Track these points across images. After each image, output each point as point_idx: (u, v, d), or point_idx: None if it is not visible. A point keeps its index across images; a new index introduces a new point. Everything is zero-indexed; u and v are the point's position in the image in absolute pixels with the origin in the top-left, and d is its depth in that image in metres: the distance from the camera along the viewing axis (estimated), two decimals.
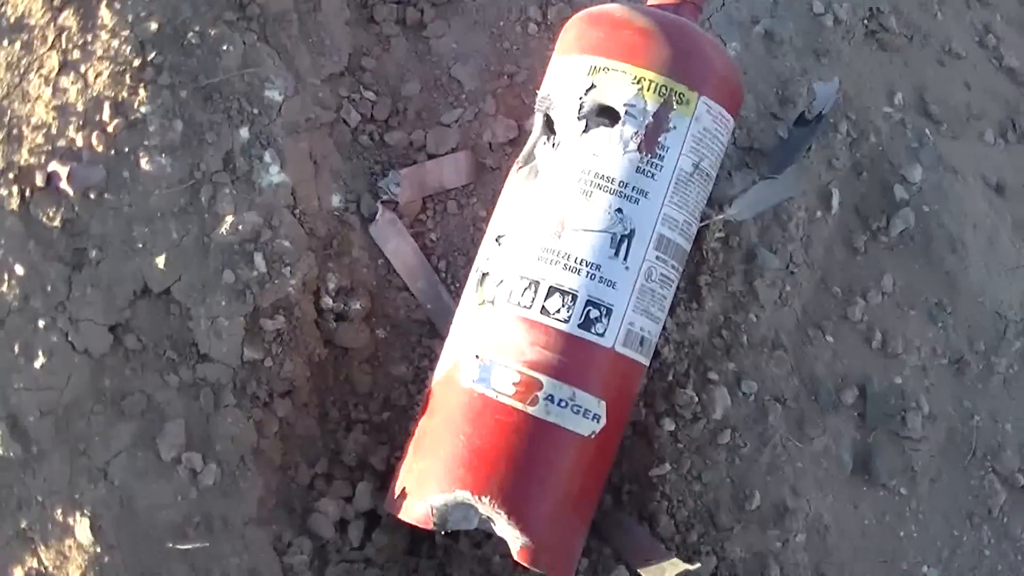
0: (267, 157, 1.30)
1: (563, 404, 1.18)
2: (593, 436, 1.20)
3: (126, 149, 1.25)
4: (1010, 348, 1.46)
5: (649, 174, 1.20)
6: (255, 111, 1.31)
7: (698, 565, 1.22)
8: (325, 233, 1.34)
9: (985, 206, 1.50)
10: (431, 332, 1.38)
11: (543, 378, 1.17)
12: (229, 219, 1.25)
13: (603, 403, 1.20)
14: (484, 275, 1.24)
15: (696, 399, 1.34)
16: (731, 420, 1.35)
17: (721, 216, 1.35)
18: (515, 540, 1.18)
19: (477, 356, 1.19)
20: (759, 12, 1.52)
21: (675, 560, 1.25)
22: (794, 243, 1.41)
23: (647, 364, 1.26)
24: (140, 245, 1.24)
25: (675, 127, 1.21)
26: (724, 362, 1.37)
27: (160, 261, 1.23)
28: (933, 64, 1.58)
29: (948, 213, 1.47)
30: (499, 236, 1.25)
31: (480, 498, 1.17)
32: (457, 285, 1.38)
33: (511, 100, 1.44)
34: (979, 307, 1.46)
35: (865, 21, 1.54)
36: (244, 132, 1.30)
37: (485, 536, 1.31)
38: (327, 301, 1.33)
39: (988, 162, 1.55)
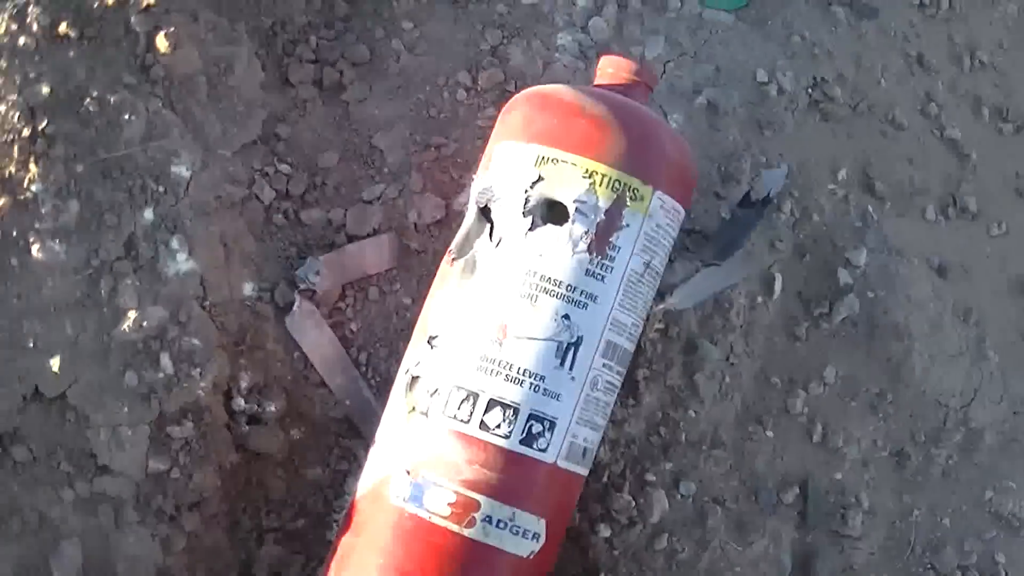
0: (174, 242, 1.21)
1: (502, 525, 1.12)
2: (532, 556, 1.14)
3: (14, 233, 1.15)
4: (950, 439, 1.44)
5: (599, 276, 1.14)
6: (160, 189, 1.22)
7: None
8: (237, 327, 1.26)
9: (929, 290, 1.47)
10: (350, 431, 1.31)
11: (481, 498, 1.11)
12: (132, 314, 1.17)
13: (543, 521, 1.14)
14: (415, 379, 1.16)
15: (633, 503, 1.29)
16: (669, 524, 1.31)
17: (662, 307, 1.31)
18: None
19: (408, 472, 1.12)
20: (701, 81, 1.47)
21: None
22: (735, 332, 1.36)
23: (587, 474, 1.21)
24: (31, 343, 1.15)
25: (628, 225, 1.15)
26: (662, 462, 1.32)
27: (54, 362, 1.14)
28: (876, 136, 1.54)
29: (893, 299, 1.44)
30: (432, 337, 1.17)
31: None
32: (378, 379, 1.32)
33: (439, 175, 1.36)
34: (920, 397, 1.44)
35: (809, 90, 1.49)
36: (148, 214, 1.21)
37: None
38: (239, 403, 1.25)
39: (930, 241, 1.53)
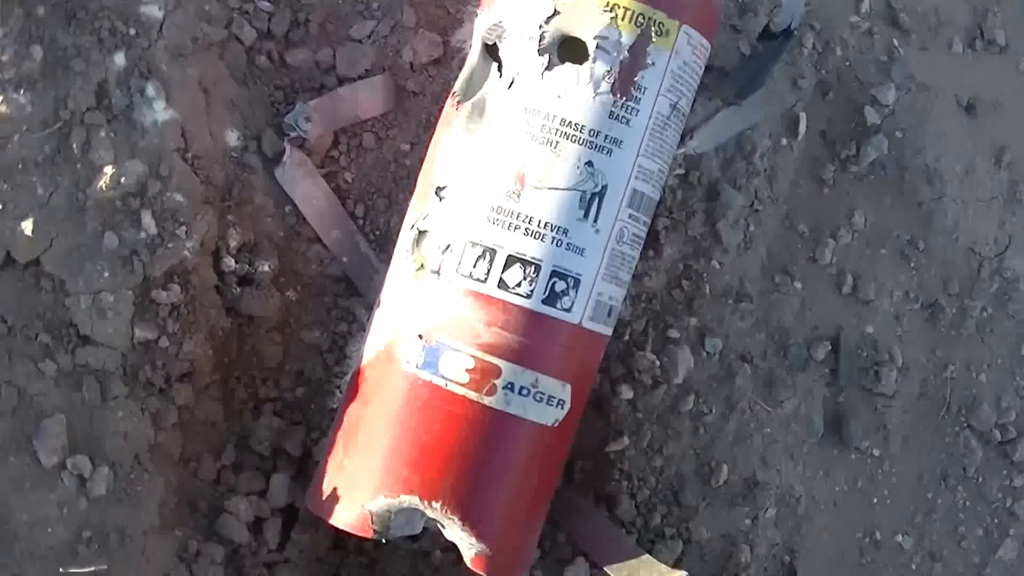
0: (149, 89, 1.12)
1: (525, 392, 1.05)
2: (557, 424, 1.08)
3: None
4: (985, 289, 1.38)
5: (623, 120, 1.05)
6: (131, 32, 1.12)
7: (683, 573, 1.13)
8: (223, 180, 1.17)
9: (959, 129, 1.40)
10: (348, 290, 1.23)
11: (502, 363, 1.04)
12: (108, 170, 1.08)
13: (568, 386, 1.07)
14: (422, 233, 1.08)
15: (656, 362, 1.23)
16: (694, 384, 1.25)
17: (682, 150, 1.22)
18: (469, 547, 1.06)
19: (421, 336, 1.04)
20: None
21: (648, 559, 1.16)
22: (759, 177, 1.28)
23: (611, 334, 1.14)
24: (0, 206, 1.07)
25: (653, 63, 1.06)
26: (685, 317, 1.26)
27: (26, 225, 1.06)
28: None
29: (923, 138, 1.36)
30: (440, 188, 1.08)
31: (430, 503, 1.04)
32: (377, 233, 1.23)
33: (433, 9, 1.26)
34: (953, 244, 1.37)
35: None
36: (119, 59, 1.11)
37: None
38: (229, 263, 1.16)
39: (958, 77, 1.44)
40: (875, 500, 1.31)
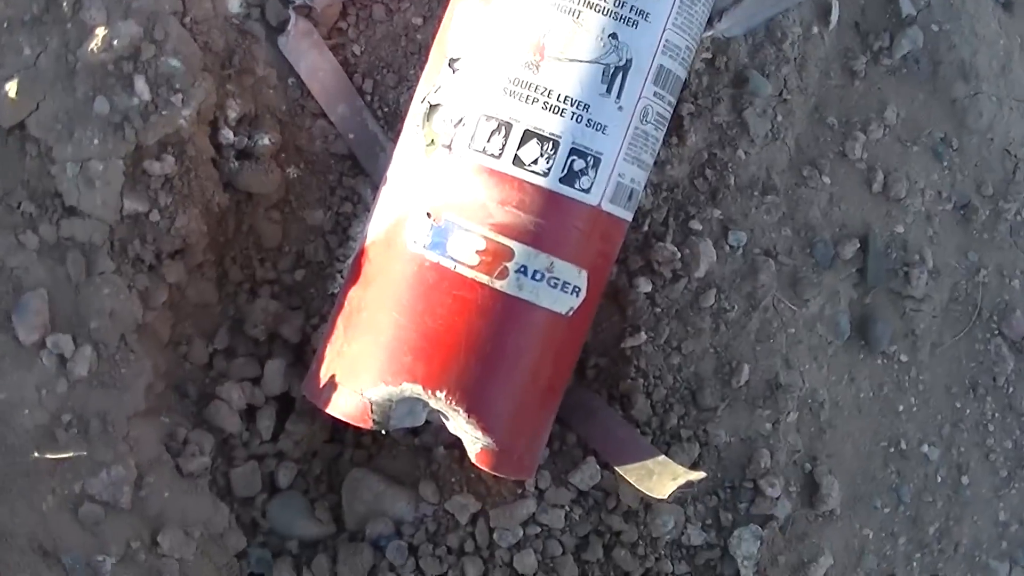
0: None
1: (538, 277, 0.97)
2: (571, 313, 1.00)
3: None
4: (1019, 191, 1.30)
5: None
6: None
7: (701, 475, 1.05)
8: (223, 47, 1.08)
9: (995, 25, 1.30)
10: (354, 169, 1.14)
11: (515, 245, 0.95)
12: (100, 31, 0.99)
13: (584, 273, 0.99)
14: (433, 107, 0.99)
15: (677, 254, 1.14)
16: (716, 278, 1.17)
17: (709, 33, 1.13)
18: (474, 442, 0.99)
19: (429, 215, 0.96)
20: None
21: (664, 460, 1.08)
22: (788, 65, 1.19)
23: (631, 220, 1.06)
24: None
25: None
26: (708, 208, 1.17)
27: (10, 87, 0.97)
28: None
29: (958, 33, 1.27)
30: (453, 59, 0.99)
31: (434, 392, 0.96)
32: (386, 110, 1.15)
33: None
34: (987, 144, 1.29)
35: None
36: None
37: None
38: (227, 135, 1.07)
39: None
40: (901, 408, 1.23)
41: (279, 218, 1.13)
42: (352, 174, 1.14)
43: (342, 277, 1.10)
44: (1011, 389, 1.28)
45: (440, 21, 1.05)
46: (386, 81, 1.14)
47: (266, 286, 1.13)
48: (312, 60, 1.11)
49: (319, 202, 1.14)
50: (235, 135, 1.08)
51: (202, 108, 1.04)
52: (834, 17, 1.23)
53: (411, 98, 1.05)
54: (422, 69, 1.05)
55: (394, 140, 1.06)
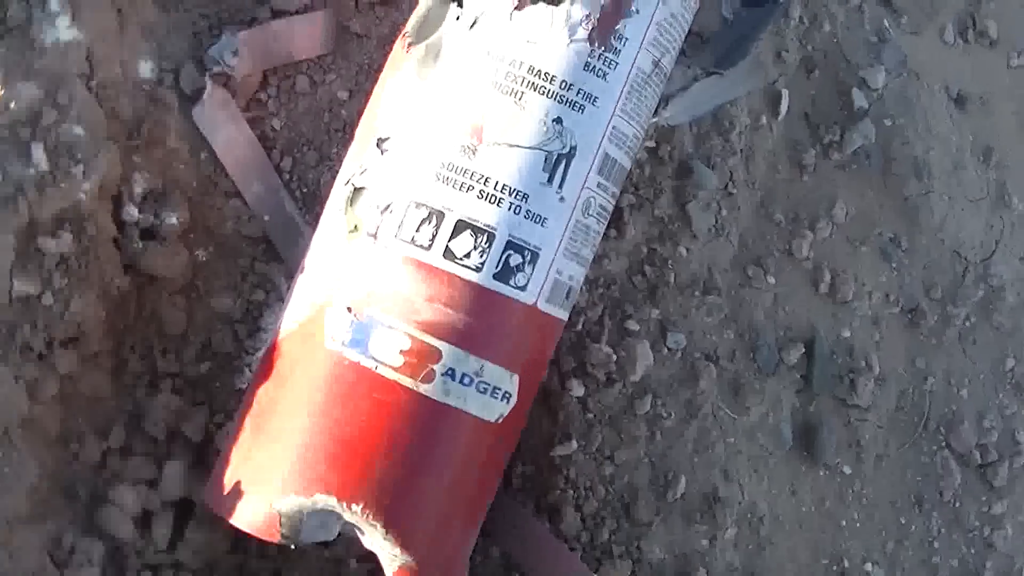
0: (53, 3, 0.95)
1: (467, 381, 0.89)
2: (500, 420, 0.92)
3: None
4: (968, 296, 1.26)
5: (600, 73, 0.90)
6: None
7: None
8: (131, 115, 1.00)
9: (948, 122, 1.27)
10: (268, 253, 1.06)
11: (442, 346, 0.87)
12: None
13: (516, 377, 0.91)
14: (358, 191, 0.92)
15: (612, 356, 1.08)
16: (653, 383, 1.10)
17: (655, 120, 1.08)
18: (391, 559, 0.90)
19: (350, 309, 0.88)
20: None
21: None
22: (735, 157, 1.14)
23: (567, 319, 0.99)
24: None
25: (638, 11, 0.91)
26: (646, 308, 1.11)
27: None
28: None
29: (912, 129, 1.24)
30: (382, 139, 0.92)
31: (349, 505, 0.88)
32: (305, 190, 1.07)
33: None
34: (938, 245, 1.25)
35: None
36: None
37: None
38: (131, 212, 0.99)
39: (949, 66, 1.32)
40: (844, 523, 1.17)
41: (184, 304, 1.04)
42: (266, 259, 1.06)
43: (251, 371, 1.02)
44: (958, 504, 1.22)
45: (368, 96, 0.98)
46: (307, 159, 1.07)
47: (167, 379, 1.04)
48: (228, 133, 1.04)
49: (228, 288, 1.05)
50: (140, 212, 0.99)
51: (105, 181, 0.96)
52: (784, 107, 1.18)
53: (333, 179, 0.97)
54: (346, 148, 0.98)
55: (313, 224, 0.98)
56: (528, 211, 0.89)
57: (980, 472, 1.25)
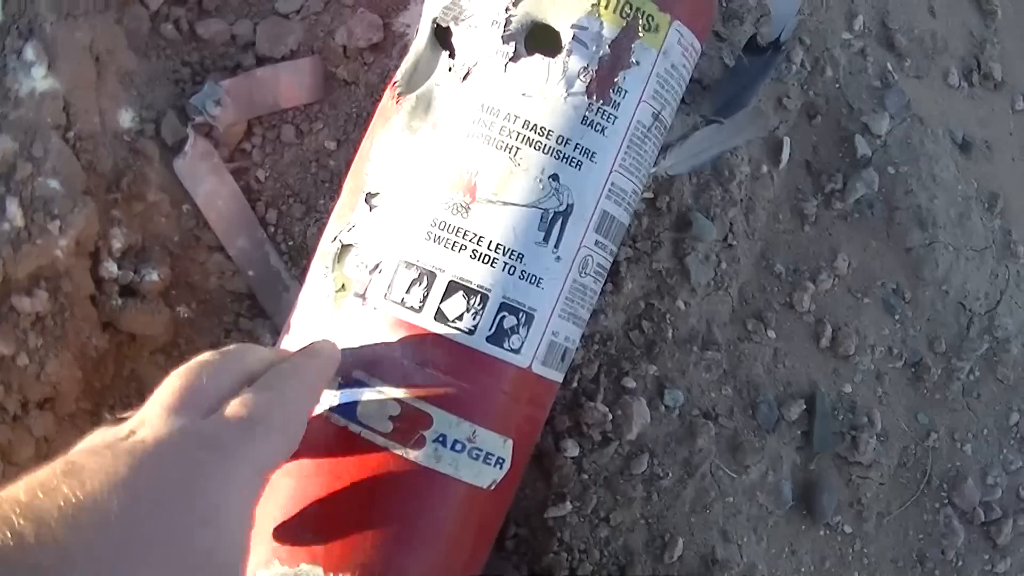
0: (28, 52, 0.92)
1: (459, 447, 0.86)
2: (493, 487, 0.89)
3: None
4: (973, 349, 1.22)
5: (599, 128, 0.87)
6: None
7: None
8: (110, 167, 0.97)
9: (953, 169, 1.24)
10: (252, 309, 1.03)
11: (433, 411, 0.84)
12: None
13: (509, 442, 0.88)
14: (345, 248, 0.89)
15: (608, 415, 1.04)
16: (649, 442, 1.06)
17: (653, 170, 1.05)
18: None
19: (337, 373, 0.88)
20: None
21: None
22: (735, 208, 1.11)
23: (562, 380, 0.97)
24: None
25: (638, 63, 0.88)
26: (643, 364, 1.07)
27: None
28: None
29: (916, 178, 1.20)
30: (371, 194, 0.89)
31: None
32: (291, 244, 1.04)
33: None
34: (942, 297, 1.21)
35: None
36: None
37: None
38: (110, 268, 0.96)
39: (953, 111, 1.29)
40: None
41: (166, 363, 1.00)
42: (250, 315, 1.03)
43: None
44: (960, 563, 1.18)
45: (357, 147, 0.94)
46: (293, 211, 1.04)
47: None
48: (211, 185, 1.01)
49: (212, 346, 0.99)
50: (119, 268, 0.96)
51: (82, 237, 0.93)
52: (785, 155, 1.15)
53: (320, 232, 0.93)
54: (334, 200, 0.94)
55: (299, 279, 0.95)
56: (523, 271, 0.86)
57: (983, 530, 1.21)
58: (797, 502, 1.12)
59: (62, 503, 0.56)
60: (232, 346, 0.74)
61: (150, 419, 0.66)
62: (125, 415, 0.69)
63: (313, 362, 0.79)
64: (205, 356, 0.72)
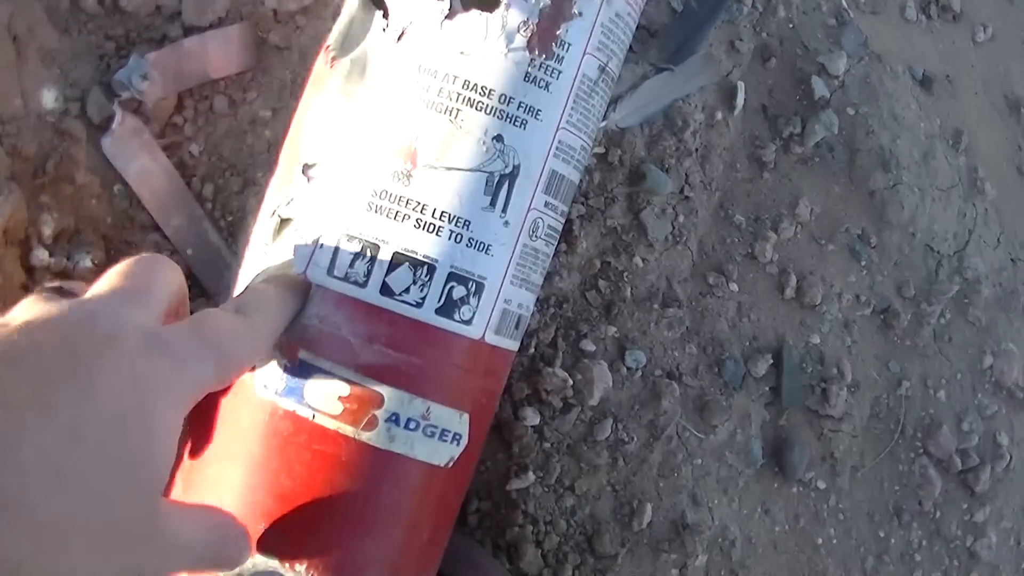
0: None
1: (412, 426, 0.83)
2: (451, 464, 0.87)
3: None
4: (943, 292, 1.21)
5: (542, 84, 0.84)
6: None
7: None
8: (36, 151, 0.93)
9: (915, 107, 1.22)
10: (194, 289, 0.99)
11: (384, 390, 0.81)
12: None
13: (465, 417, 0.85)
14: (284, 223, 0.86)
15: (568, 380, 1.02)
16: (612, 406, 1.04)
17: (603, 123, 1.03)
18: None
19: (280, 353, 0.82)
20: None
21: None
22: (690, 158, 1.09)
23: (518, 348, 0.95)
24: None
25: (580, 14, 0.85)
26: (602, 326, 1.05)
27: None
28: None
29: (877, 118, 1.18)
30: (308, 165, 0.85)
31: (292, 566, 0.82)
32: (230, 219, 1.01)
33: None
34: (909, 240, 1.20)
35: None
36: None
37: None
38: (40, 255, 0.92)
39: (912, 46, 1.27)
40: (820, 541, 1.12)
41: None
42: (192, 296, 0.97)
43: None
44: (938, 513, 1.18)
45: (292, 115, 0.91)
46: (230, 186, 1.00)
47: None
48: (142, 163, 0.97)
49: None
50: (51, 255, 0.92)
51: (10, 225, 0.89)
52: (740, 101, 1.13)
53: (259, 206, 0.90)
54: (271, 171, 0.91)
55: (240, 256, 0.93)
56: (470, 239, 0.83)
57: (961, 478, 1.20)
58: (768, 460, 1.11)
59: None
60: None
61: (104, 305, 0.64)
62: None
63: (289, 296, 0.78)
64: (150, 257, 0.70)
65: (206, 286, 0.99)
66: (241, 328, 0.70)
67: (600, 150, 1.06)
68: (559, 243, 1.03)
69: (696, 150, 1.11)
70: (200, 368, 0.65)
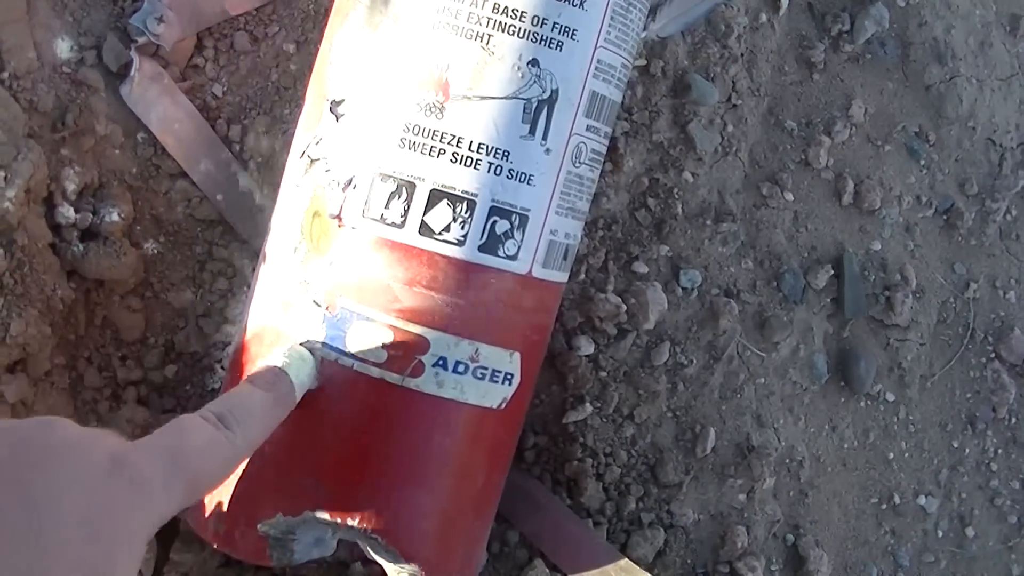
0: None
1: (461, 369, 0.81)
2: (504, 405, 0.85)
3: None
4: (1008, 187, 1.18)
5: (577, 1, 0.81)
6: None
7: None
8: (53, 104, 0.90)
9: None
10: (226, 236, 0.97)
11: (429, 334, 0.79)
12: None
13: (516, 355, 0.83)
14: (314, 163, 0.84)
15: (621, 305, 1.00)
16: (669, 329, 1.02)
17: (643, 35, 0.99)
18: (399, 571, 0.84)
19: (318, 304, 0.80)
20: None
21: (627, 564, 0.93)
22: (736, 64, 1.05)
23: (567, 280, 0.92)
24: None
25: None
26: (654, 246, 1.03)
27: None
28: None
29: (929, 8, 1.14)
30: (336, 102, 0.82)
31: (343, 520, 0.81)
32: (260, 160, 0.98)
33: None
34: (969, 134, 1.17)
35: None
36: None
37: None
38: (66, 212, 0.90)
39: None
40: (891, 455, 1.11)
41: (140, 305, 0.95)
42: (224, 243, 0.97)
43: (224, 368, 0.94)
44: (1013, 420, 1.16)
45: (317, 49, 0.88)
46: (257, 126, 0.97)
47: (131, 388, 0.95)
48: (164, 109, 0.94)
49: (187, 281, 0.97)
50: (76, 212, 0.90)
51: (32, 184, 0.86)
52: (784, 0, 1.09)
53: (289, 143, 0.88)
54: (299, 108, 0.89)
55: (272, 197, 0.90)
56: (511, 170, 0.80)
57: None
58: (833, 374, 1.10)
59: None
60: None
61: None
62: None
63: (276, 408, 0.75)
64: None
65: (240, 232, 0.96)
66: (219, 445, 0.67)
67: (641, 62, 1.03)
68: (604, 162, 1.00)
69: (742, 55, 1.08)
70: (166, 496, 0.61)
